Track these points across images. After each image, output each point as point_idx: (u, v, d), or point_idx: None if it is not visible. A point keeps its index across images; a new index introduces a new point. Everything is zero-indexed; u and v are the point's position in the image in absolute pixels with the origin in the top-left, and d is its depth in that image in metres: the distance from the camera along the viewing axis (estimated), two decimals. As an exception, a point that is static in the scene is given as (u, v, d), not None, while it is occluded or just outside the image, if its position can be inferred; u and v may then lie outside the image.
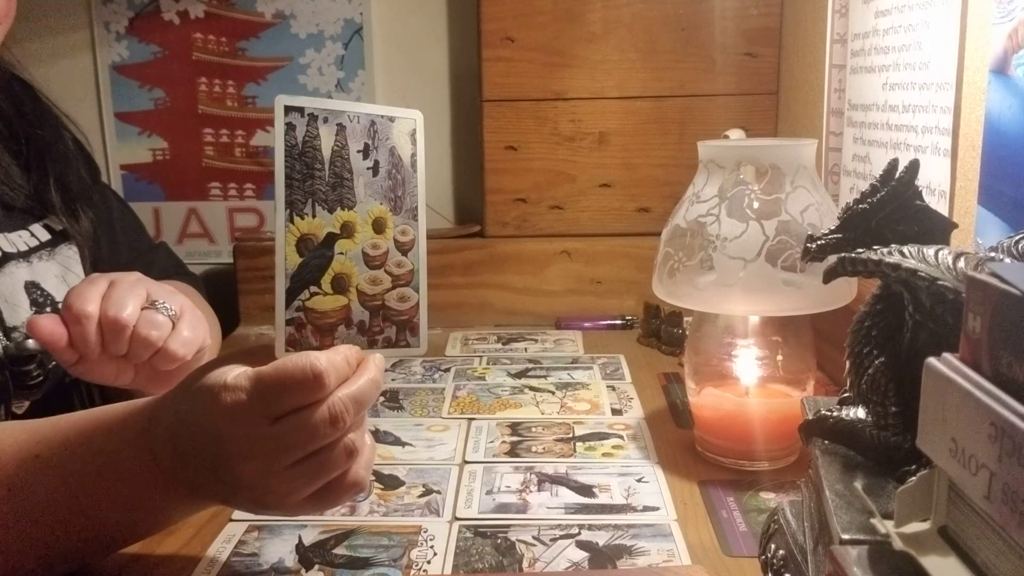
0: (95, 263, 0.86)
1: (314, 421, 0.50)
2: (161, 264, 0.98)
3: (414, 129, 0.60)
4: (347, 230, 0.58)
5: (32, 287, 0.77)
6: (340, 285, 0.58)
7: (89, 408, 0.62)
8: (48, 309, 0.78)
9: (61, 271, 0.81)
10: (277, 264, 0.56)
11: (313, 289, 0.57)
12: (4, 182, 0.79)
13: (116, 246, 0.93)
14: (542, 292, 1.27)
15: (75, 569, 0.58)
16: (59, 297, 0.79)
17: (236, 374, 0.52)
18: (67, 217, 0.83)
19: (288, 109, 0.56)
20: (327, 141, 0.57)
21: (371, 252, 0.59)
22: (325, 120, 0.57)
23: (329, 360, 0.51)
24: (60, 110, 0.90)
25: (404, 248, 0.60)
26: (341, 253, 0.57)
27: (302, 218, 0.56)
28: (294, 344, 0.56)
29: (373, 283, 0.59)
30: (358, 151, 0.58)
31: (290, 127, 0.56)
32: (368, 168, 0.58)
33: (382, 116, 0.59)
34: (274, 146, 0.56)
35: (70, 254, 0.83)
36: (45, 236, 0.82)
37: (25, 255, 0.78)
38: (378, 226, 0.59)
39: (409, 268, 0.60)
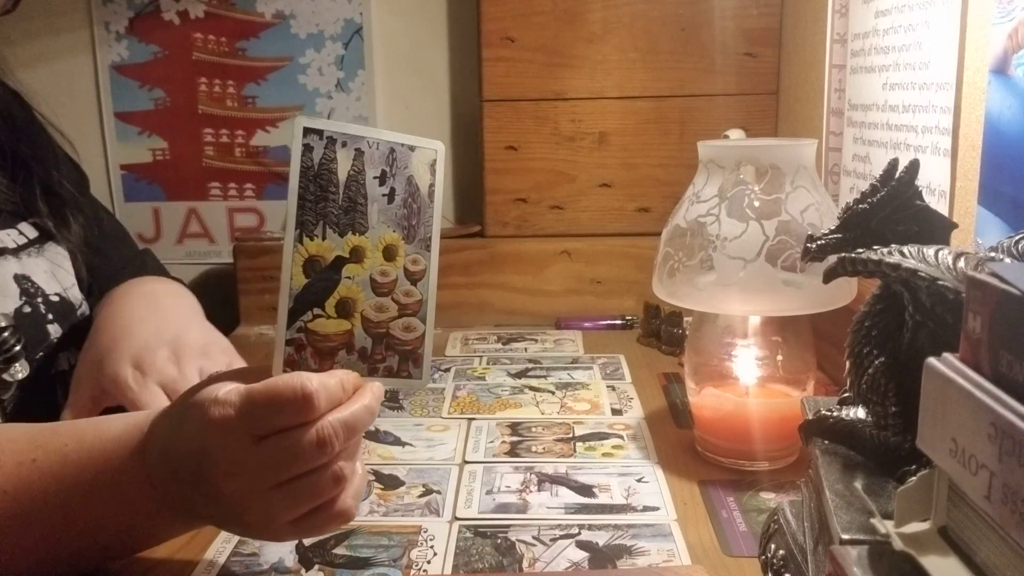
0: (88, 269, 0.86)
1: (301, 443, 0.50)
2: (150, 270, 0.99)
3: (434, 160, 0.59)
4: (356, 255, 0.57)
5: (22, 279, 0.78)
6: (345, 309, 0.56)
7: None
8: (39, 300, 0.78)
9: (50, 267, 0.82)
10: (282, 283, 0.55)
11: (316, 311, 0.55)
12: None
13: (107, 255, 0.93)
14: (542, 292, 1.27)
15: (71, 574, 0.58)
16: (49, 290, 0.80)
17: (227, 390, 0.51)
18: (56, 222, 0.83)
19: (307, 131, 0.55)
20: (344, 165, 0.56)
21: (379, 279, 0.57)
22: (344, 144, 0.56)
23: (321, 382, 0.51)
24: (47, 119, 0.90)
25: (414, 278, 0.58)
26: (348, 277, 0.56)
27: (311, 239, 0.55)
28: (292, 365, 0.55)
29: (379, 310, 0.58)
30: (374, 177, 0.57)
31: (307, 148, 0.55)
32: (384, 195, 0.57)
33: (402, 144, 0.58)
34: (289, 167, 0.55)
35: (59, 250, 0.84)
36: (34, 233, 0.82)
37: (14, 252, 0.79)
38: (389, 253, 0.58)
39: (417, 298, 0.59)
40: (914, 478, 0.37)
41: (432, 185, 0.59)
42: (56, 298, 0.81)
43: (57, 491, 0.54)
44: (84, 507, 0.54)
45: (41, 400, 0.77)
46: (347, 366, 0.56)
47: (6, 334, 0.74)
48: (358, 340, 0.57)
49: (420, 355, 0.60)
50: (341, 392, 0.52)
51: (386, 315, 0.58)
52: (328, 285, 0.56)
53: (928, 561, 0.34)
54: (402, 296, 0.58)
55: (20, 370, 0.75)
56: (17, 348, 0.74)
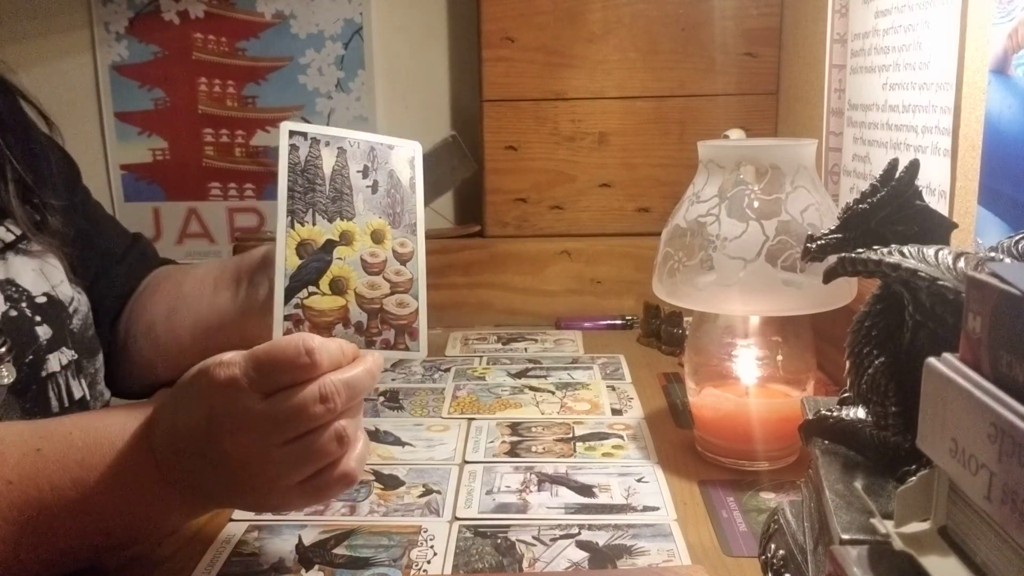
0: (77, 260, 0.86)
1: (304, 399, 0.52)
2: (149, 257, 0.99)
3: (413, 157, 0.62)
4: (346, 238, 0.59)
5: (5, 284, 0.77)
6: (338, 287, 0.58)
7: (64, 399, 0.63)
8: (23, 303, 0.77)
9: (39, 264, 0.80)
10: (277, 263, 0.57)
11: (311, 289, 0.57)
12: None
13: (96, 245, 0.92)
14: (542, 292, 1.27)
15: (77, 569, 0.58)
16: (35, 291, 0.79)
17: (231, 355, 0.53)
18: (33, 222, 0.82)
19: (292, 133, 0.58)
20: (328, 161, 0.59)
21: (370, 259, 0.59)
22: (327, 144, 0.59)
23: (322, 342, 0.53)
24: (34, 107, 0.88)
25: (403, 259, 0.60)
26: (340, 258, 0.58)
27: (303, 225, 0.57)
28: None
29: (371, 288, 0.59)
30: (358, 171, 0.60)
31: (293, 148, 0.58)
32: (367, 186, 0.60)
33: (382, 144, 0.61)
34: (277, 166, 0.57)
35: (46, 246, 0.83)
36: (19, 231, 0.81)
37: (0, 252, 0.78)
38: (376, 236, 0.60)
39: (408, 277, 0.60)
40: (914, 478, 0.37)
41: (413, 178, 0.61)
42: (44, 298, 0.79)
43: (63, 479, 0.55)
44: (90, 493, 0.55)
45: (32, 403, 0.77)
46: (344, 339, 0.57)
47: None
48: (353, 315, 0.59)
49: (416, 329, 0.61)
50: (341, 355, 0.54)
51: (379, 292, 0.60)
52: (321, 265, 0.58)
53: (928, 561, 0.34)
54: (392, 275, 0.60)
55: (6, 375, 0.74)
56: (1, 350, 0.74)
